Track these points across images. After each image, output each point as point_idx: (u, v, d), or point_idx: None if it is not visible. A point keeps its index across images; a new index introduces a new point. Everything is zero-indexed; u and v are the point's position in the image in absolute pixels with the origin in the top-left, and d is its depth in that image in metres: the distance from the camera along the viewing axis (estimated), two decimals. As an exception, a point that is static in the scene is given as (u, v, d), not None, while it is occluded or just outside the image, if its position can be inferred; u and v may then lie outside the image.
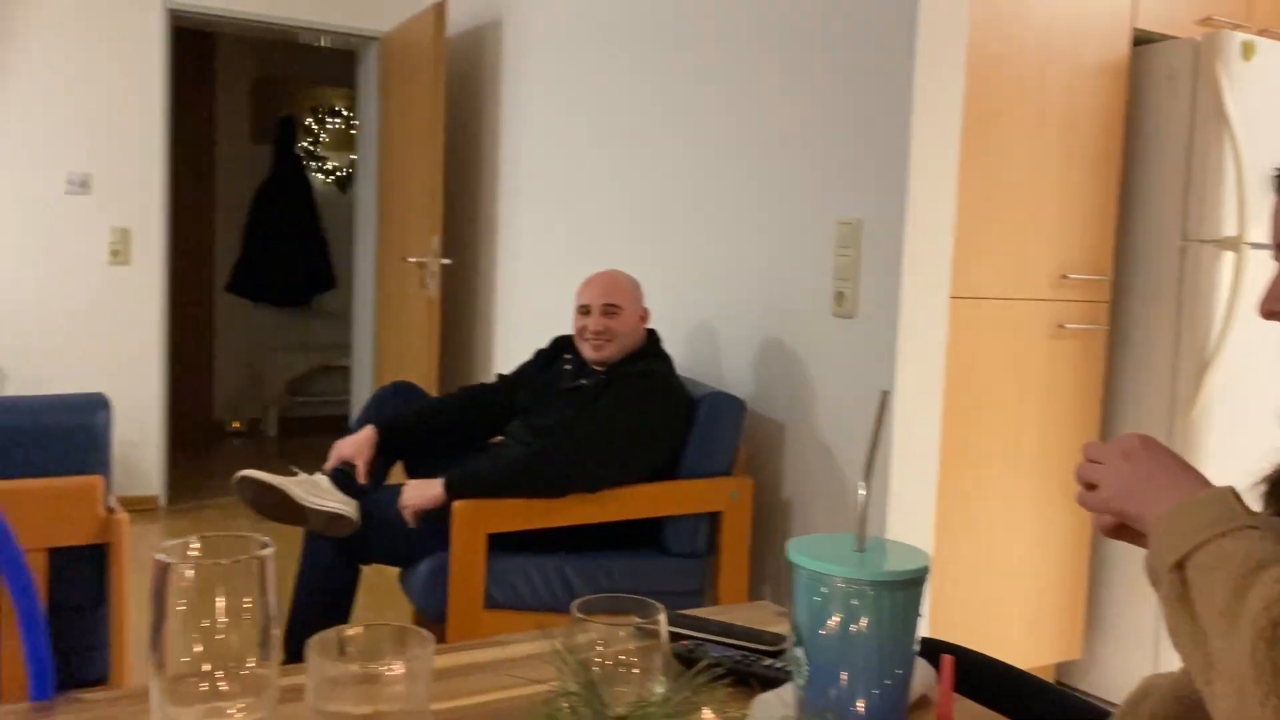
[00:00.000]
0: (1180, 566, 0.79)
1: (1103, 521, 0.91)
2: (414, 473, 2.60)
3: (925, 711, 0.93)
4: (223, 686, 0.68)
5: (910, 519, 2.40)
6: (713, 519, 2.52)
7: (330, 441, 2.58)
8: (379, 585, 3.50)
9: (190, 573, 0.67)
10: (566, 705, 0.69)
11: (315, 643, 0.70)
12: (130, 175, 4.40)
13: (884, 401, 0.81)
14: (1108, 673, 2.79)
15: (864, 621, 0.73)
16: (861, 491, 0.78)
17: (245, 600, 0.68)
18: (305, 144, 6.89)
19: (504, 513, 2.30)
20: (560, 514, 2.33)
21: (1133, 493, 0.87)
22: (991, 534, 2.62)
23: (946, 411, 2.47)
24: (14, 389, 4.18)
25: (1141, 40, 2.71)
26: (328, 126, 6.97)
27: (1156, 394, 2.70)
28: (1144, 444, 0.89)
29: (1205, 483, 0.85)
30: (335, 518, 2.33)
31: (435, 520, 2.29)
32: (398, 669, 0.69)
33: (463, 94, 4.52)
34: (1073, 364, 2.68)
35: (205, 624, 0.67)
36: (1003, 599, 2.66)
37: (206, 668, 0.67)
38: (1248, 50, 2.56)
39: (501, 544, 2.34)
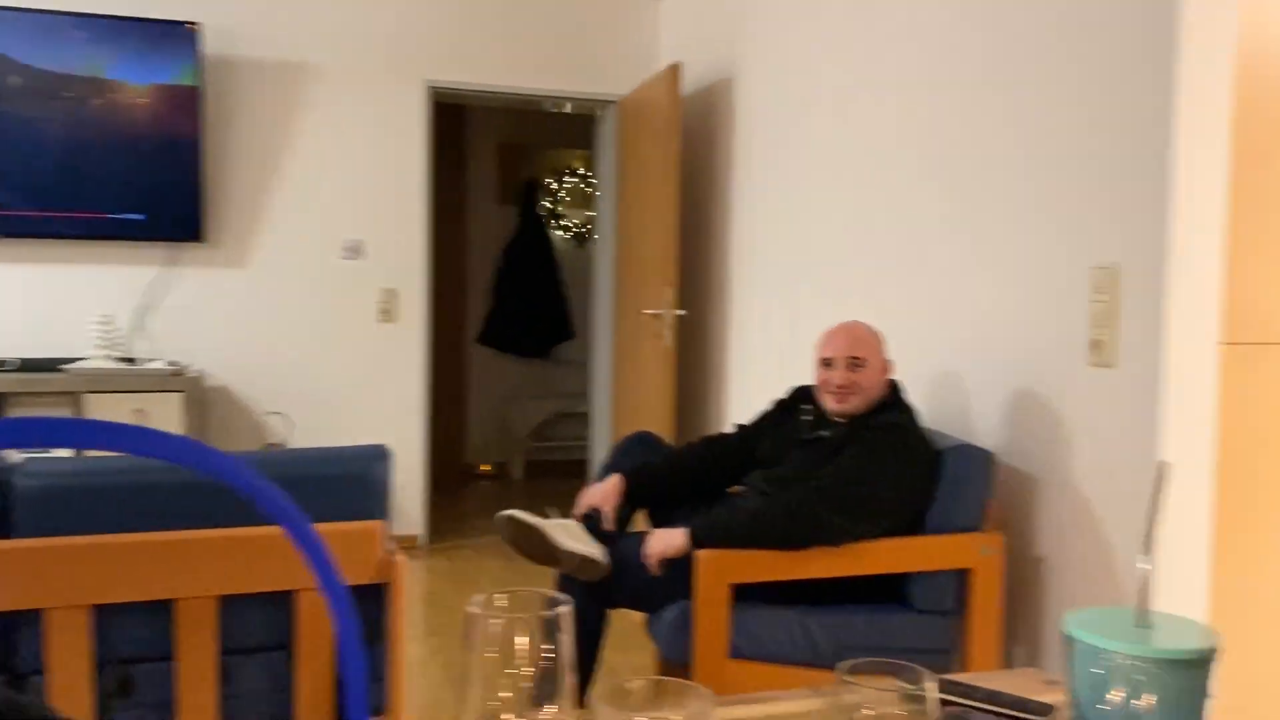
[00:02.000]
0: None
1: None
2: (656, 520, 2.68)
3: (1216, 797, 0.88)
4: (522, 730, 0.75)
5: (1180, 588, 2.24)
6: (961, 576, 2.45)
7: (570, 483, 2.70)
8: (623, 630, 3.61)
9: (498, 624, 0.74)
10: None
11: (602, 692, 0.75)
12: (396, 239, 4.81)
13: (1162, 473, 0.78)
14: None
15: (1147, 701, 0.71)
16: (1143, 565, 0.76)
17: (546, 652, 0.74)
18: (546, 203, 7.28)
19: (747, 563, 2.32)
20: (804, 566, 2.34)
21: None
22: (1274, 608, 2.40)
23: (1222, 470, 2.29)
24: (300, 437, 4.63)
25: None
26: (566, 186, 7.34)
27: None
28: None
29: None
30: (587, 561, 2.44)
31: (678, 568, 2.35)
32: (680, 722, 0.73)
33: (697, 150, 4.66)
34: (1370, 414, 2.43)
35: (510, 671, 0.74)
36: (1292, 672, 2.42)
37: (508, 717, 0.74)
38: None
39: (746, 594, 2.37)
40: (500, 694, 0.74)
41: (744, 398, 4.11)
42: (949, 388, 2.92)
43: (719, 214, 4.46)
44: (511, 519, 2.47)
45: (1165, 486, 0.75)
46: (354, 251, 4.76)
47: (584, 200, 7.30)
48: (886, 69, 3.23)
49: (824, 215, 3.59)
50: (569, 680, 0.75)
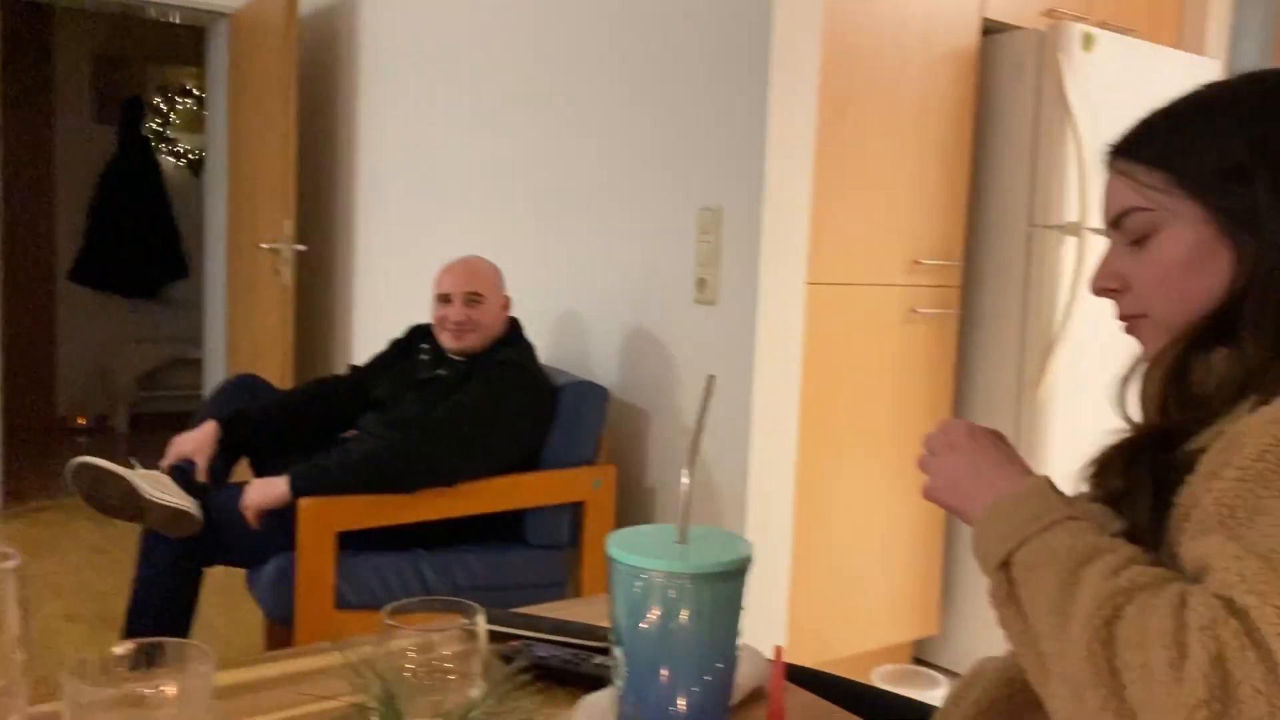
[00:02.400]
0: (1005, 566, 0.77)
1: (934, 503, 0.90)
2: (261, 470, 2.48)
3: (759, 704, 0.90)
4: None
5: (770, 502, 2.41)
6: (576, 509, 2.48)
7: (184, 436, 2.43)
8: (232, 587, 3.35)
9: (-82, 592, 0.59)
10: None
11: (74, 665, 0.62)
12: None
13: (709, 387, 0.77)
14: (963, 647, 2.87)
15: (684, 616, 0.69)
16: (684, 480, 0.74)
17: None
18: (154, 125, 6.55)
19: (354, 510, 2.20)
20: (416, 509, 2.25)
21: (957, 486, 0.86)
22: (850, 516, 2.66)
23: (804, 395, 2.48)
24: None
25: (991, 30, 2.78)
26: (177, 107, 6.64)
27: (1005, 375, 2.78)
28: (969, 433, 0.88)
29: (1029, 474, 0.84)
30: (178, 514, 2.20)
31: (281, 519, 2.18)
32: (169, 690, 0.62)
33: (318, 74, 4.35)
34: (925, 347, 2.74)
35: (-63, 650, 0.59)
36: (862, 579, 2.70)
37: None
38: (1088, 41, 2.65)
39: (354, 542, 2.25)
40: (-73, 678, 0.59)
41: (371, 339, 3.93)
42: (570, 326, 2.94)
43: (343, 144, 4.20)
44: (86, 465, 2.17)
45: (710, 400, 0.73)
46: (-105, 167, 4.00)
47: (199, 123, 6.64)
48: (507, 11, 3.16)
49: (450, 151, 3.48)
50: (16, 657, 0.61)
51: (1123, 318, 0.93)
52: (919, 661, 2.94)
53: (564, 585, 2.48)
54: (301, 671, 0.91)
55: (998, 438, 0.89)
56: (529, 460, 2.43)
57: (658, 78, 2.61)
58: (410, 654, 0.78)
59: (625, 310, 2.74)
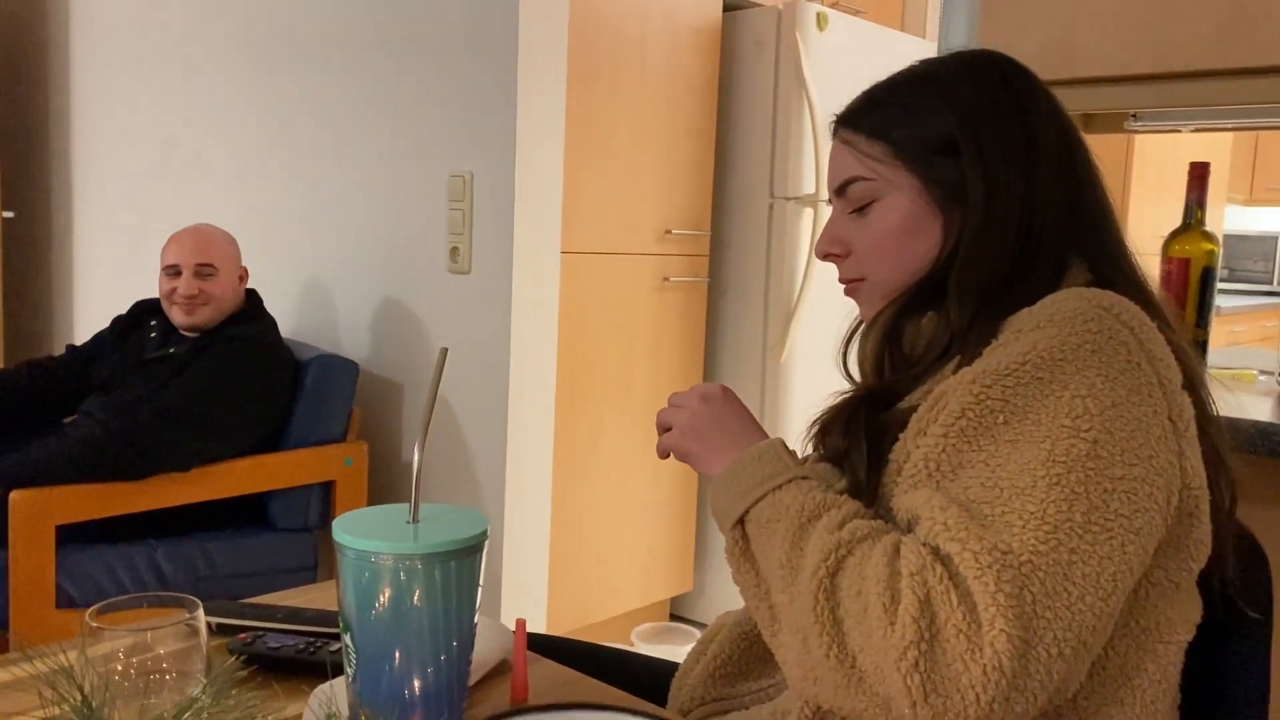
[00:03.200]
0: (740, 523, 0.80)
1: (665, 452, 0.93)
2: (-37, 461, 2.23)
3: (504, 677, 0.90)
4: None
5: (528, 469, 2.41)
6: (326, 489, 2.39)
7: None
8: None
9: None
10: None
11: None
12: None
13: (442, 357, 0.75)
14: (716, 601, 3.00)
15: (415, 597, 0.68)
16: (416, 454, 0.72)
17: None
18: None
19: (75, 500, 2.02)
20: (145, 497, 2.10)
21: (700, 433, 0.88)
22: (607, 481, 2.71)
23: (560, 363, 2.49)
24: None
25: (732, 7, 2.87)
26: None
27: (751, 341, 2.90)
28: (724, 393, 0.91)
29: (761, 435, 0.87)
30: None
31: (-13, 515, 1.97)
32: None
33: (21, 26, 3.92)
34: (677, 314, 2.82)
35: None
36: (620, 540, 2.76)
37: None
38: (821, 21, 2.79)
39: (77, 534, 2.07)
40: None
41: (94, 316, 3.60)
42: (317, 298, 2.81)
43: (56, 100, 3.81)
44: None
45: (441, 373, 0.71)
46: None
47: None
48: (243, -49, 2.96)
49: (184, 113, 3.23)
50: None
51: (843, 280, 0.97)
52: (675, 618, 3.04)
53: (315, 569, 2.39)
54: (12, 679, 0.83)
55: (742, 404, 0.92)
56: (272, 440, 2.31)
57: (407, 43, 2.52)
58: (121, 656, 0.73)
59: (376, 281, 2.65)
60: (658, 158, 2.70)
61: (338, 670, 0.86)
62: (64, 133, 3.77)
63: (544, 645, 1.05)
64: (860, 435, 0.84)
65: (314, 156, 2.78)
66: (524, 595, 2.42)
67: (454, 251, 2.44)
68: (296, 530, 2.34)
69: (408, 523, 0.71)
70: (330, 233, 2.76)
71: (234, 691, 0.62)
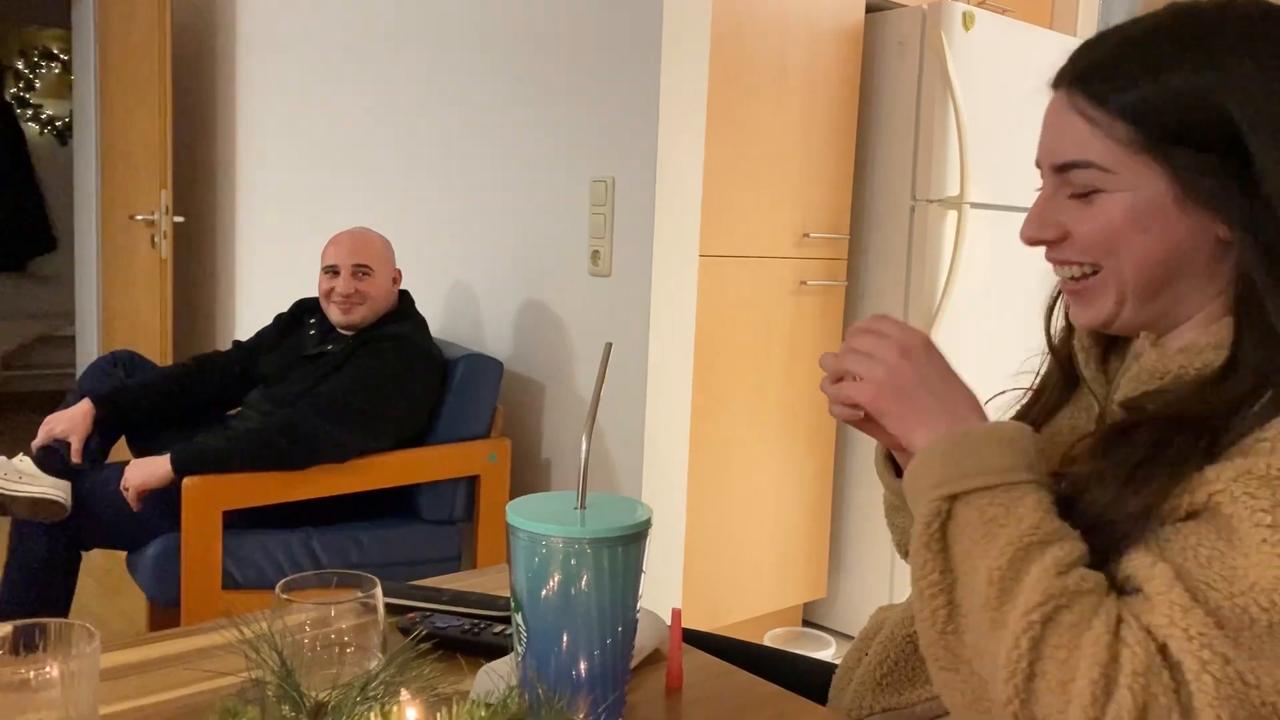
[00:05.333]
0: (950, 499, 0.72)
1: (847, 412, 0.82)
2: (140, 450, 2.39)
3: (657, 666, 0.92)
4: None
5: (664, 471, 2.44)
6: (470, 483, 2.47)
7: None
8: (113, 569, 3.23)
9: None
10: (256, 697, 0.62)
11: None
12: None
13: (607, 353, 0.78)
14: (850, 609, 2.96)
15: (583, 581, 0.70)
16: (583, 447, 0.75)
17: None
18: (16, 90, 6.19)
19: (241, 488, 2.15)
20: (305, 486, 2.21)
21: (902, 392, 0.77)
22: (741, 482, 2.71)
23: (697, 366, 2.51)
24: None
25: (874, 8, 2.84)
26: (41, 71, 6.29)
27: (891, 346, 2.85)
28: (926, 345, 0.80)
29: (977, 404, 0.79)
30: (40, 502, 2.11)
31: (164, 499, 2.11)
32: (52, 671, 0.60)
33: (194, 38, 4.17)
34: (814, 319, 2.80)
35: None
36: (753, 543, 2.76)
37: None
38: (968, 20, 2.73)
39: (241, 520, 2.19)
40: None
41: (255, 314, 3.81)
42: (462, 299, 2.91)
43: (223, 110, 4.05)
44: None
45: (607, 368, 0.74)
46: None
47: (65, 89, 6.30)
48: (398, -34, 3.09)
49: (340, 120, 3.39)
50: None
51: (1063, 263, 0.82)
52: (808, 624, 3.02)
53: (459, 560, 2.47)
54: (191, 650, 0.89)
55: (946, 360, 0.81)
56: (421, 435, 2.41)
57: (552, 50, 2.59)
58: (306, 629, 0.77)
59: (519, 283, 2.72)
60: (796, 160, 2.69)
61: (501, 651, 0.89)
62: (229, 141, 4.00)
63: (693, 639, 1.06)
64: (1164, 471, 0.70)
65: (462, 163, 2.88)
66: (658, 595, 2.45)
67: (595, 255, 2.49)
68: (442, 522, 2.42)
69: (575, 509, 0.74)
70: (477, 236, 2.85)
71: (415, 664, 0.65)
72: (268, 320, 2.67)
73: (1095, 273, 0.80)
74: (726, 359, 2.63)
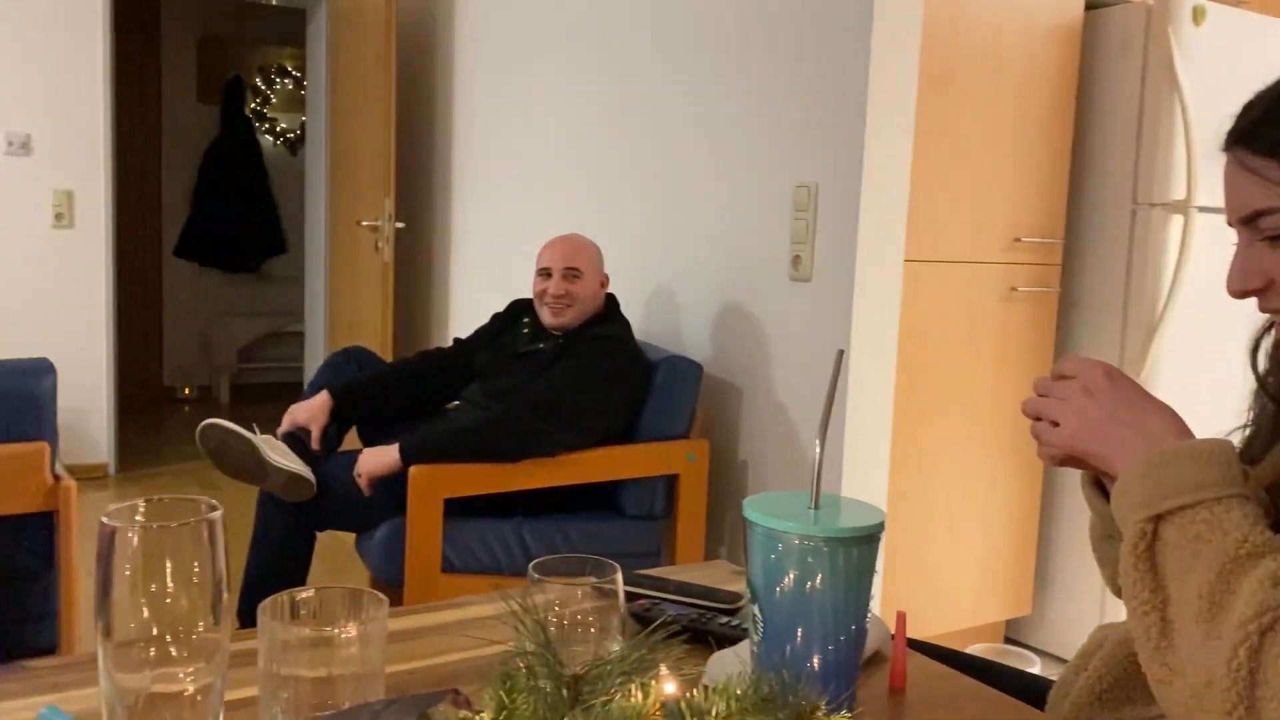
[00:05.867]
0: (1158, 520, 0.73)
1: (1053, 454, 0.85)
2: (368, 439, 2.58)
3: (879, 667, 0.94)
4: (172, 652, 0.67)
5: (864, 479, 2.42)
6: (669, 481, 2.53)
7: (282, 407, 2.55)
8: (336, 551, 3.49)
9: (137, 536, 0.65)
10: (523, 666, 0.68)
11: (268, 606, 0.69)
12: (72, 136, 4.28)
13: (840, 360, 0.81)
14: (1056, 629, 2.85)
15: (819, 578, 0.73)
16: (817, 449, 0.78)
17: (195, 564, 0.66)
18: (254, 105, 6.75)
19: (461, 477, 2.29)
20: (518, 478, 2.33)
21: (1095, 432, 0.80)
22: (944, 492, 2.66)
23: (900, 373, 2.49)
24: (-45, 356, 4.08)
25: (1094, 4, 2.73)
26: (277, 87, 6.83)
27: (1105, 355, 2.74)
28: (1108, 376, 0.82)
29: (1174, 419, 0.80)
30: (295, 479, 2.31)
31: (391, 486, 2.27)
32: (351, 631, 0.68)
33: (416, 53, 4.45)
34: (1024, 326, 2.72)
35: (154, 589, 0.66)
36: (955, 556, 2.70)
37: (155, 633, 0.66)
38: (1198, 15, 2.59)
39: (458, 509, 2.33)
40: (144, 614, 0.66)
41: (467, 313, 4.03)
42: (663, 302, 2.98)
43: (441, 122, 4.29)
44: (214, 426, 2.29)
45: (841, 373, 0.77)
46: (21, 147, 4.20)
47: (297, 103, 6.82)
48: (608, -20, 3.20)
49: (548, 127, 3.54)
50: (223, 596, 0.68)
51: (1277, 311, 0.86)
52: (1010, 641, 2.93)
53: (659, 555, 2.53)
54: (451, 621, 0.98)
55: (1131, 380, 0.84)
56: (624, 433, 2.49)
57: (755, 54, 2.62)
58: (555, 608, 0.84)
59: (719, 287, 2.77)
60: (1009, 163, 2.62)
61: (729, 641, 0.93)
62: (446, 151, 4.24)
63: (911, 645, 1.07)
64: None
65: (667, 170, 2.95)
66: (856, 601, 2.44)
67: (796, 260, 2.51)
68: (643, 518, 2.50)
69: (809, 508, 0.77)
70: (680, 242, 2.91)
71: (662, 645, 0.70)
72: (480, 320, 2.82)
73: None
74: (932, 365, 2.59)
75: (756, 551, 0.76)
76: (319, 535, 2.49)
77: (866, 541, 0.74)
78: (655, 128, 3.00)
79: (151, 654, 0.66)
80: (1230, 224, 0.87)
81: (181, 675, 0.67)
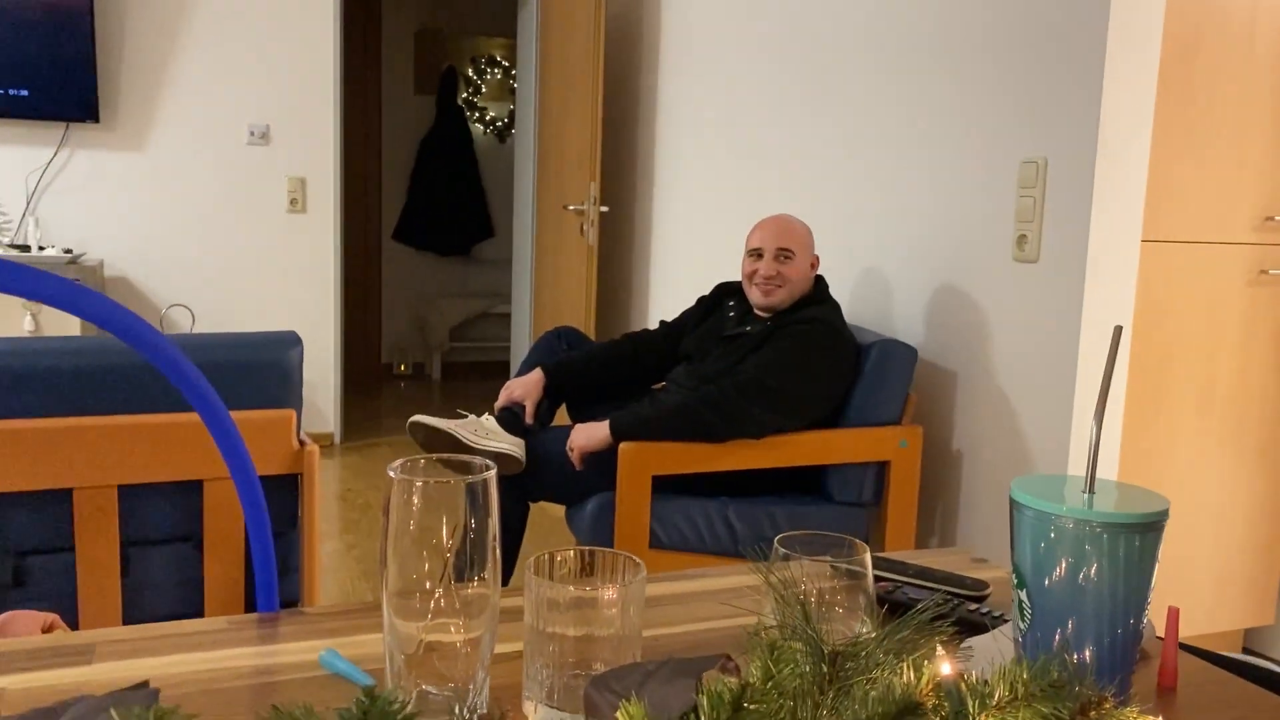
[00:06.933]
0: None
1: None
2: (577, 416, 2.64)
3: (1144, 664, 0.88)
4: (444, 604, 0.70)
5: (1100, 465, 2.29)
6: (880, 468, 2.47)
7: (490, 385, 2.65)
8: (542, 523, 3.61)
9: (418, 493, 0.68)
10: (782, 638, 0.67)
11: (534, 564, 0.71)
12: (306, 126, 4.59)
13: (1117, 336, 0.76)
14: (1304, 642, 2.62)
15: (1095, 567, 0.69)
16: (1093, 429, 0.73)
17: (471, 520, 0.69)
18: (466, 95, 7.03)
19: (669, 456, 2.31)
20: (725, 459, 2.33)
21: None
22: (1179, 489, 2.48)
23: (1134, 361, 2.33)
24: (202, 331, 4.46)
25: (1370, -44, 2.46)
26: (487, 77, 7.09)
27: (1373, 346, 2.48)
28: None
29: None
30: (502, 457, 2.40)
31: (600, 461, 2.32)
32: (613, 593, 0.69)
33: (622, 41, 4.51)
34: (1275, 311, 2.49)
35: (434, 542, 0.69)
36: (1191, 557, 2.52)
37: (430, 587, 0.69)
38: None
39: (666, 486, 2.36)
40: (425, 566, 0.69)
41: (667, 295, 4.06)
42: (876, 284, 2.91)
43: (644, 107, 4.34)
44: (418, 425, 2.43)
45: (1116, 350, 0.72)
46: (261, 137, 4.54)
47: (505, 93, 7.06)
48: (820, -45, 3.13)
49: (750, 109, 3.52)
50: (494, 553, 0.70)
51: None
52: (1249, 652, 2.71)
53: (867, 543, 2.48)
54: (701, 590, 0.98)
55: None
56: (833, 417, 2.45)
57: (978, 19, 2.51)
58: (803, 584, 0.83)
59: (935, 268, 2.67)
60: (1261, 135, 2.41)
61: (978, 629, 0.90)
62: (649, 135, 4.28)
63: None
64: None
65: (881, 146, 2.87)
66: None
67: (1021, 239, 2.39)
68: (851, 504, 2.45)
69: (1084, 492, 0.73)
70: (893, 220, 2.83)
71: (927, 626, 0.67)
72: (680, 303, 2.83)
73: None
74: (1170, 352, 2.42)
75: (1025, 536, 0.72)
76: (532, 507, 2.57)
77: (1148, 529, 0.69)
78: (866, 104, 2.92)
79: (428, 605, 0.70)
80: None
81: (453, 627, 0.70)
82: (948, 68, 2.61)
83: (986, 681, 0.59)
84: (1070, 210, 2.26)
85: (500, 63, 7.06)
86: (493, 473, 0.70)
